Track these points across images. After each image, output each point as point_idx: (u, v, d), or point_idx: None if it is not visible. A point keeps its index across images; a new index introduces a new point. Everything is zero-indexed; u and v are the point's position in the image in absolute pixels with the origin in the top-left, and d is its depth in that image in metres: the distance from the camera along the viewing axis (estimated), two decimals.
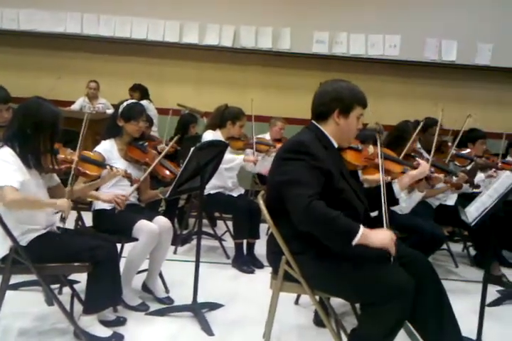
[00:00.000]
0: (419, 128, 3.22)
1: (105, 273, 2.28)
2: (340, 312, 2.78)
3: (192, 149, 2.47)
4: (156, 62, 5.93)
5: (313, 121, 2.13)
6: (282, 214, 2.00)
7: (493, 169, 3.90)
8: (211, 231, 4.08)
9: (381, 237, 1.84)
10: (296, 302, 2.94)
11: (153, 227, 2.65)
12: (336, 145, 2.13)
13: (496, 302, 3.19)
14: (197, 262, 2.66)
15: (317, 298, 2.44)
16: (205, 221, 4.25)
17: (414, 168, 2.39)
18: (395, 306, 1.84)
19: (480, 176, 3.91)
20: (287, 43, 5.65)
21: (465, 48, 5.70)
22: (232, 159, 3.64)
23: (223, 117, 3.78)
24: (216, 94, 5.54)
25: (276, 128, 5.00)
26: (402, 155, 3.21)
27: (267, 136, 4.94)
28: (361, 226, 1.82)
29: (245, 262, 3.57)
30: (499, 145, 4.95)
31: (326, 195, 1.91)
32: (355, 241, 1.80)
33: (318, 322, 2.63)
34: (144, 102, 5.19)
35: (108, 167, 2.59)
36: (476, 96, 5.85)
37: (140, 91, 5.56)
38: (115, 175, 2.59)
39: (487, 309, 2.98)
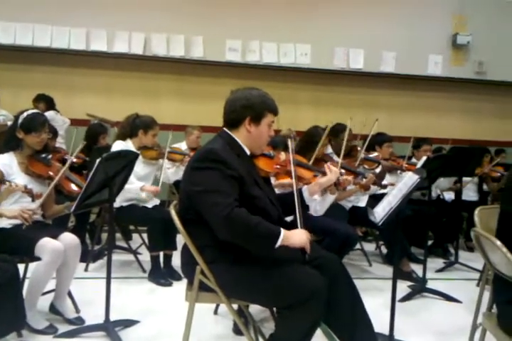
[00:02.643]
0: (326, 132, 3.31)
1: (5, 297, 2.12)
2: (260, 318, 2.78)
3: (98, 160, 2.36)
4: (64, 70, 5.65)
5: (225, 129, 2.13)
6: (195, 224, 1.99)
7: (399, 170, 4.11)
8: (126, 245, 3.94)
9: (299, 237, 1.91)
10: (215, 312, 2.90)
11: (56, 245, 2.49)
12: (248, 153, 2.14)
13: (406, 297, 3.34)
14: (108, 278, 2.54)
15: (235, 306, 2.43)
16: (119, 235, 4.13)
17: (324, 173, 2.44)
18: (309, 308, 1.87)
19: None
20: (200, 51, 5.63)
21: (371, 56, 5.98)
22: (128, 189, 3.34)
23: (134, 126, 3.67)
24: (128, 103, 5.37)
25: (192, 137, 4.96)
26: (313, 159, 3.30)
27: (183, 145, 4.88)
28: (282, 229, 1.88)
29: (162, 275, 3.47)
30: (406, 147, 5.24)
31: (241, 202, 1.91)
32: (278, 244, 1.85)
33: (237, 330, 2.61)
34: (51, 113, 4.94)
35: (7, 183, 2.41)
36: (382, 102, 6.15)
37: (45, 101, 5.24)
38: (13, 191, 2.42)
39: (399, 304, 3.12)
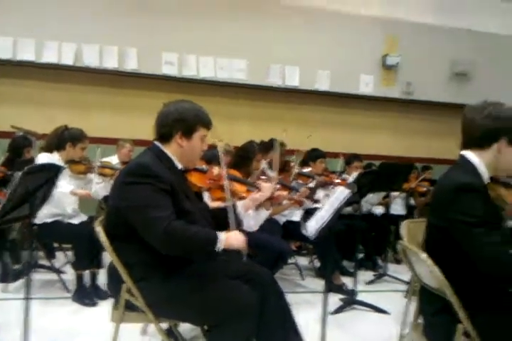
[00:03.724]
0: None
1: None
2: (190, 336, 2.70)
3: (20, 173, 2.23)
4: None
5: (156, 142, 2.08)
6: (124, 240, 1.93)
7: (332, 185, 4.19)
8: (48, 264, 3.75)
9: (236, 238, 1.92)
10: (144, 332, 2.79)
11: None
12: (179, 167, 2.09)
13: (338, 310, 3.38)
14: (27, 298, 2.37)
15: (165, 325, 2.34)
16: (41, 253, 3.91)
17: (258, 189, 2.43)
18: (240, 324, 1.84)
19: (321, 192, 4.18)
20: (134, 63, 5.51)
21: (306, 74, 6.11)
22: (57, 197, 3.23)
23: (62, 139, 3.52)
24: (56, 115, 5.12)
25: (124, 151, 4.83)
26: (248, 175, 3.30)
27: (115, 159, 4.73)
28: (218, 232, 1.88)
29: (88, 294, 3.32)
30: (338, 163, 5.37)
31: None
32: (218, 247, 1.85)
33: None
34: None
35: None
36: (317, 119, 6.29)
37: None
38: None
39: (330, 317, 3.15)
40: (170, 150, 2.04)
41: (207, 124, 2.09)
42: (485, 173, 1.82)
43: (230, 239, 1.90)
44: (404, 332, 2.55)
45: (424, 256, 1.78)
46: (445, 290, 1.70)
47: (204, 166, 2.54)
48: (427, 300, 1.90)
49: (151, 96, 5.47)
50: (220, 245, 1.84)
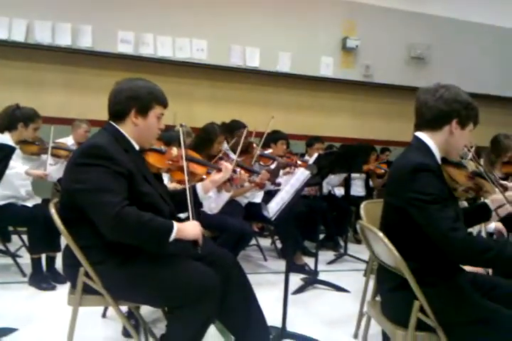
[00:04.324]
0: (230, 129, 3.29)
1: None
2: (152, 319, 2.69)
3: None
4: None
5: (111, 122, 2.00)
6: (80, 223, 1.86)
7: (292, 167, 4.21)
8: (3, 248, 3.63)
9: (192, 228, 1.87)
10: (104, 315, 2.75)
11: None
12: (137, 147, 2.04)
13: (299, 290, 3.43)
14: None
15: (125, 308, 2.31)
16: None
17: (219, 170, 2.41)
18: (202, 306, 1.82)
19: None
20: (89, 41, 5.30)
21: (267, 56, 6.07)
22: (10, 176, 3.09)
23: (14, 118, 3.37)
24: (7, 93, 4.91)
25: (80, 131, 4.68)
26: (209, 156, 3.26)
27: (70, 140, 4.58)
28: (174, 222, 1.82)
29: (44, 278, 3.23)
30: (299, 145, 5.40)
31: (130, 199, 1.81)
32: (172, 238, 1.80)
33: (127, 333, 2.49)
34: None
35: None
36: (278, 101, 6.28)
37: None
38: None
39: (292, 297, 3.21)
40: (125, 129, 1.98)
41: (163, 102, 2.02)
42: (438, 154, 1.85)
43: (186, 230, 1.85)
44: (363, 309, 2.62)
45: (381, 235, 1.82)
46: (401, 268, 1.74)
47: (162, 147, 2.48)
48: (384, 278, 1.94)
49: (106, 75, 5.30)
50: (174, 235, 1.79)
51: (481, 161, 3.55)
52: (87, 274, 1.88)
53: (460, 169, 1.94)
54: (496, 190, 1.98)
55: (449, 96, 1.80)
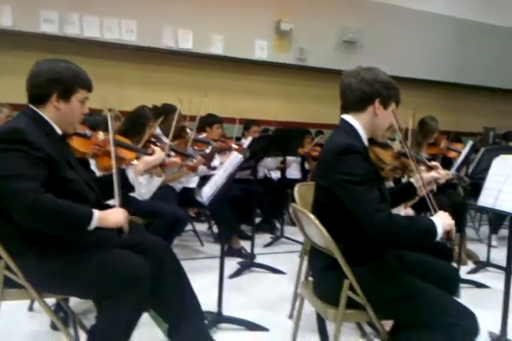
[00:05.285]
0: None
1: None
2: (82, 310, 2.59)
3: None
4: None
5: (30, 105, 1.88)
6: None
7: (228, 151, 4.18)
8: None
9: (115, 216, 1.82)
10: (31, 308, 2.62)
11: None
12: (59, 132, 1.93)
13: (236, 274, 3.43)
14: None
15: (52, 300, 2.22)
16: None
17: (149, 154, 2.34)
18: (132, 295, 1.77)
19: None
20: (8, 20, 4.96)
21: (200, 38, 5.95)
22: None
23: None
24: None
25: (1, 116, 4.40)
26: (143, 141, 3.16)
27: None
28: (94, 210, 1.75)
29: None
30: (234, 129, 5.36)
31: (52, 186, 1.73)
32: (91, 226, 1.73)
33: (55, 326, 2.39)
34: None
35: None
36: (212, 84, 6.18)
37: None
38: None
39: (228, 281, 3.21)
40: (46, 113, 1.87)
41: (87, 85, 1.92)
42: (364, 135, 1.89)
43: (108, 217, 1.79)
44: (298, 290, 2.66)
45: (311, 216, 1.83)
46: (331, 249, 1.77)
47: (87, 131, 2.36)
48: (316, 258, 1.97)
49: (28, 57, 4.94)
50: (94, 223, 1.73)
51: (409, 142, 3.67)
52: (7, 267, 1.78)
53: (386, 149, 1.99)
54: (420, 168, 2.05)
55: (370, 78, 1.83)
